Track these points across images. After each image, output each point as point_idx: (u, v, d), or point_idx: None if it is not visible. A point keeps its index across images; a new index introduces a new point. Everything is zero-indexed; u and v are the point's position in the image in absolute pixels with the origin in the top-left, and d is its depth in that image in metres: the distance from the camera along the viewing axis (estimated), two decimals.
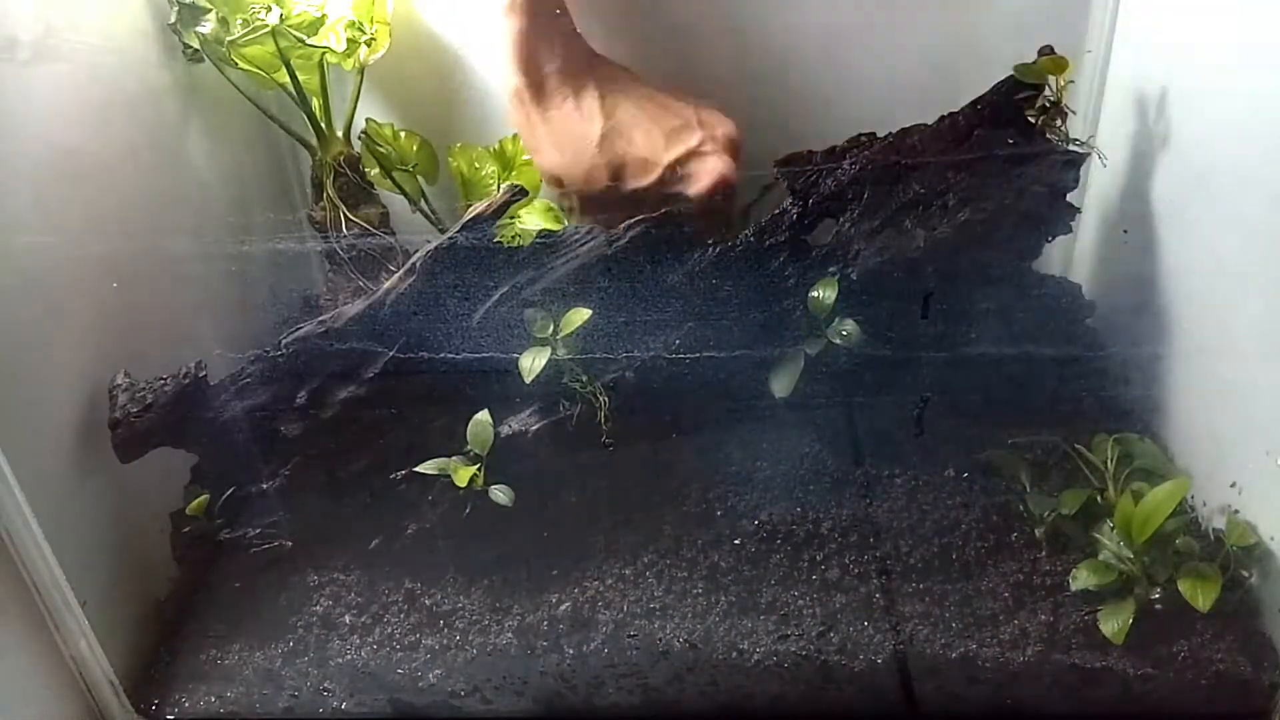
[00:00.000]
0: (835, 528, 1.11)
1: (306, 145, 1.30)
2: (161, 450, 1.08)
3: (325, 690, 1.06)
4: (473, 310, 1.08)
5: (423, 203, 1.33)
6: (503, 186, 1.19)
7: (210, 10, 1.18)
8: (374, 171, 1.31)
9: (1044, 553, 1.07)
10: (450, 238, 1.07)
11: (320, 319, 1.09)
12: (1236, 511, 1.02)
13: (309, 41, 1.20)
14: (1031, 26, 1.12)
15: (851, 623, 1.03)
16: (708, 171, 1.11)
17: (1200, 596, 0.95)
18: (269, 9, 1.16)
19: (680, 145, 1.11)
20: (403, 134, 1.32)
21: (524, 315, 1.08)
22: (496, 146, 1.30)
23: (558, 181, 1.16)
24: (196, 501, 1.10)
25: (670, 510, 1.15)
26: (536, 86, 1.12)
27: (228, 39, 1.17)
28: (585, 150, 1.12)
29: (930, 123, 1.09)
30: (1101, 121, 1.28)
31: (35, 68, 1.01)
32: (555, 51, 1.11)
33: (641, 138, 1.12)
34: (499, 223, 1.09)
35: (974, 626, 1.01)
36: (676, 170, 1.11)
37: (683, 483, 1.17)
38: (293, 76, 1.22)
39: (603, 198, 1.15)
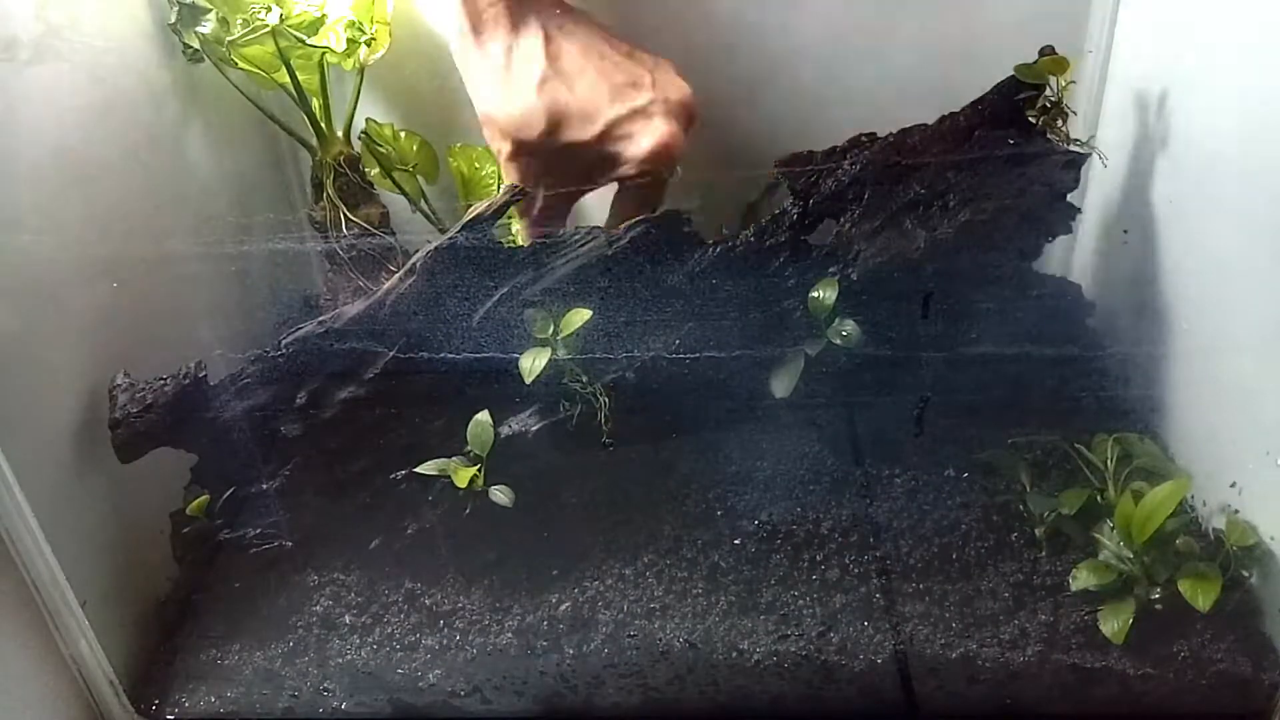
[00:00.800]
0: (835, 528, 1.11)
1: (306, 145, 1.30)
2: (161, 450, 1.08)
3: (325, 690, 1.06)
4: (473, 310, 1.08)
5: (423, 203, 1.33)
6: (503, 187, 1.19)
7: (210, 10, 1.18)
8: (374, 171, 1.31)
9: (1044, 553, 1.07)
10: (450, 238, 1.07)
11: (320, 319, 1.09)
12: (1236, 511, 1.02)
13: (309, 41, 1.19)
14: (1032, 26, 1.12)
15: (851, 623, 1.03)
16: (651, 133, 1.04)
17: (1200, 596, 0.95)
18: (269, 9, 1.16)
19: (625, 102, 1.04)
20: (403, 134, 1.32)
21: (524, 316, 1.08)
22: None
23: (491, 124, 1.08)
24: (196, 502, 1.10)
25: (670, 510, 1.15)
26: (475, 19, 1.04)
27: (228, 39, 1.17)
28: (522, 92, 1.04)
29: (931, 123, 1.09)
30: (1101, 121, 1.28)
31: (35, 68, 1.01)
32: None
33: (585, 88, 1.04)
34: (498, 223, 1.09)
35: (974, 626, 1.01)
36: (618, 128, 1.05)
37: (683, 483, 1.18)
38: (293, 76, 1.22)
39: (536, 147, 1.07)
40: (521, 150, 1.09)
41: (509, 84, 1.06)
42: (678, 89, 1.08)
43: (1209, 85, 1.05)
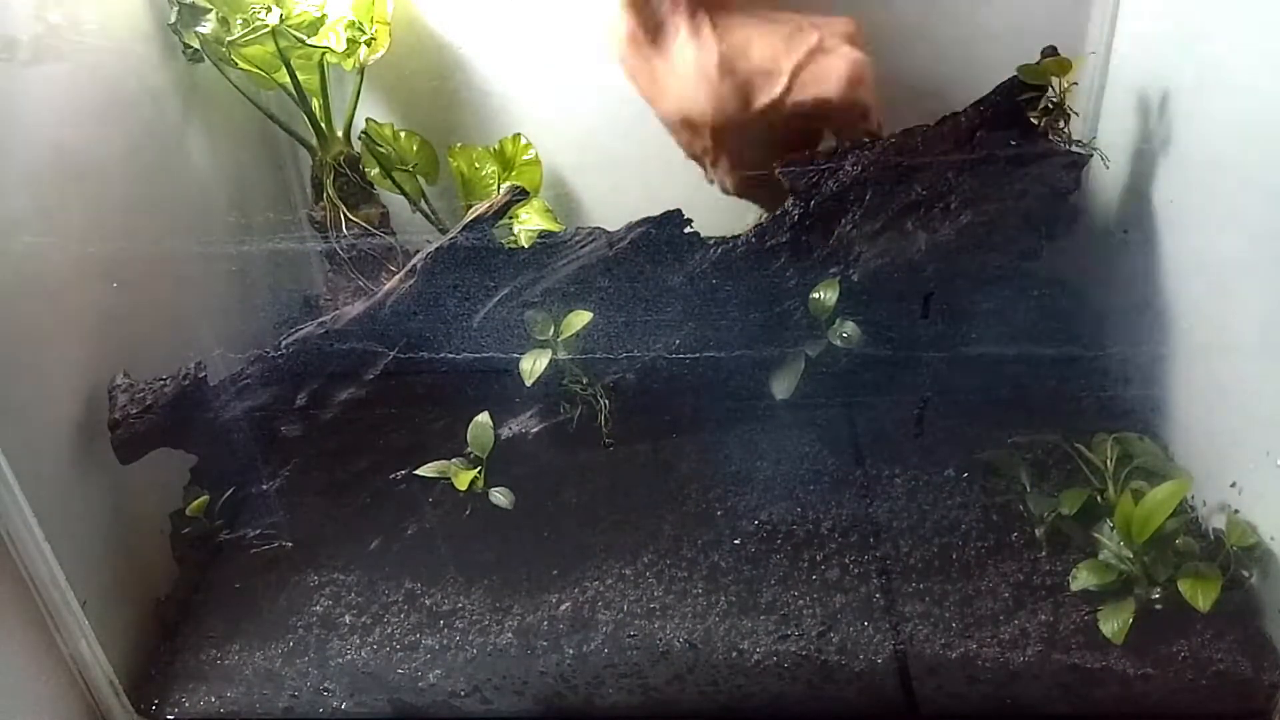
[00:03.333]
0: (835, 528, 1.12)
1: (306, 145, 1.30)
2: (161, 450, 1.08)
3: (325, 690, 1.06)
4: (473, 312, 1.08)
5: (423, 203, 1.33)
6: (503, 187, 1.19)
7: (210, 10, 1.18)
8: (374, 171, 1.31)
9: (1044, 553, 1.07)
10: (451, 239, 1.07)
11: (320, 320, 1.09)
12: (1236, 511, 1.02)
13: (309, 41, 1.19)
14: (1032, 27, 1.12)
15: (851, 623, 1.03)
16: (837, 66, 1.03)
17: (1200, 596, 0.95)
18: (269, 9, 1.16)
19: (800, 47, 1.04)
20: (403, 134, 1.32)
21: (525, 317, 1.08)
22: (496, 146, 1.30)
23: (688, 124, 1.08)
24: (197, 502, 1.10)
25: (670, 510, 1.15)
26: (652, 27, 1.04)
27: (228, 39, 1.17)
28: (708, 77, 1.04)
29: (932, 124, 1.09)
30: (1102, 122, 1.28)
31: (35, 67, 1.01)
32: None
33: (758, 51, 1.04)
34: (499, 224, 1.09)
35: (974, 626, 1.01)
36: (803, 73, 1.04)
37: (683, 483, 1.18)
38: (293, 76, 1.22)
39: (735, 127, 1.07)
40: (726, 136, 1.08)
41: (695, 75, 1.05)
42: (841, 22, 1.07)
43: (1209, 86, 1.05)
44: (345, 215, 1.28)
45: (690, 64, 1.04)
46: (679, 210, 1.11)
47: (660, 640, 1.03)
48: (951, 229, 1.06)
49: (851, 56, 1.04)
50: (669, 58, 1.06)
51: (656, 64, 1.07)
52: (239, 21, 1.18)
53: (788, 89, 1.04)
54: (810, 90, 1.04)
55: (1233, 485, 1.03)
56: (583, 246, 1.09)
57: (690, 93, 1.05)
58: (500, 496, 1.06)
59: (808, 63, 1.04)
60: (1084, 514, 1.07)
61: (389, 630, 1.08)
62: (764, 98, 1.05)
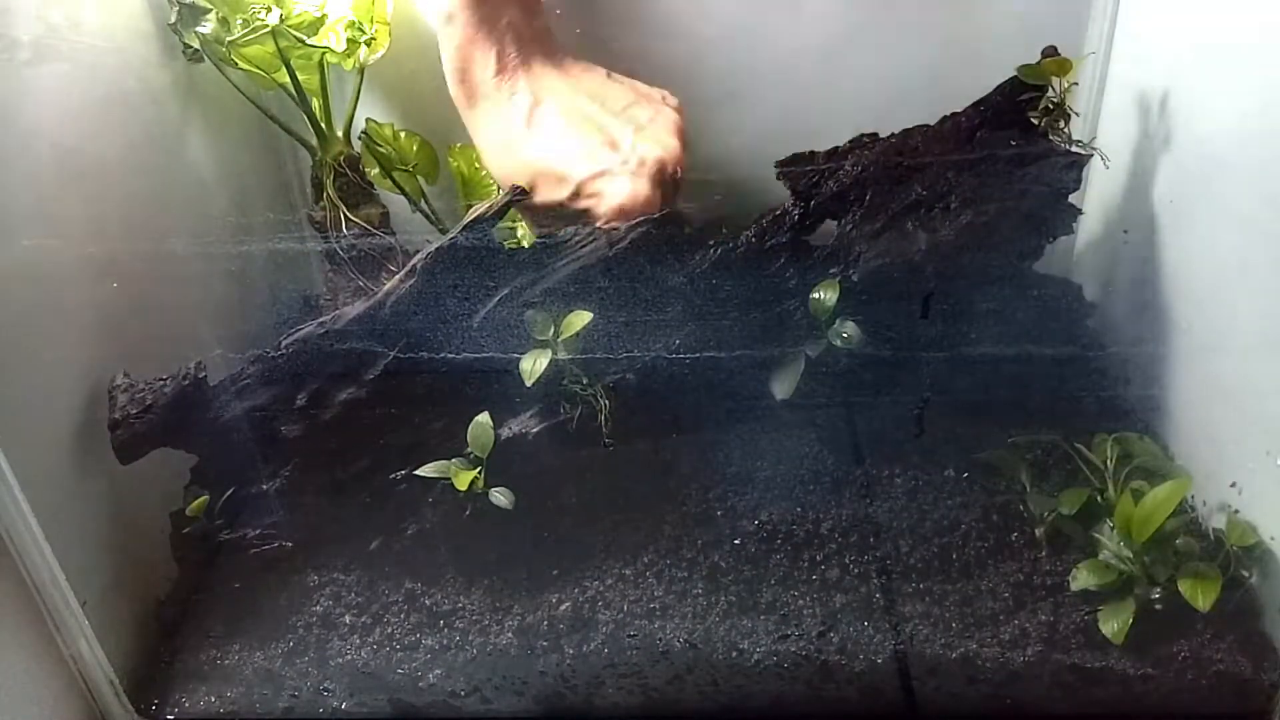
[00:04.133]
0: (835, 528, 1.12)
1: (306, 145, 1.30)
2: (162, 450, 1.07)
3: (325, 690, 1.06)
4: (473, 312, 1.08)
5: (423, 203, 1.33)
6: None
7: (210, 10, 1.18)
8: (374, 171, 1.31)
9: (1044, 553, 1.07)
10: (451, 239, 1.07)
11: (320, 320, 1.09)
12: (1236, 511, 1.02)
13: (309, 41, 1.19)
14: (1032, 27, 1.12)
15: (851, 623, 1.03)
16: (614, 194, 1.09)
17: (1200, 596, 0.95)
18: (269, 9, 1.16)
19: (594, 163, 1.10)
20: (403, 134, 1.32)
21: (525, 317, 1.08)
22: None
23: (493, 178, 1.19)
24: (197, 502, 1.10)
25: (670, 510, 1.15)
26: (469, 94, 1.14)
27: (228, 39, 1.17)
28: (506, 154, 1.14)
29: (933, 124, 1.09)
30: (1102, 122, 1.28)
31: (35, 67, 1.01)
32: (491, 58, 1.12)
33: (560, 152, 1.11)
34: (499, 224, 1.09)
35: (974, 626, 1.01)
36: (588, 187, 1.10)
37: (683, 483, 1.18)
38: (293, 76, 1.22)
39: (519, 201, 1.16)
40: (512, 203, 1.16)
41: (496, 147, 1.15)
42: (658, 146, 1.11)
43: (1209, 85, 1.05)
44: (345, 215, 1.28)
45: (496, 136, 1.14)
46: (679, 210, 1.11)
47: (660, 640, 1.03)
48: (951, 229, 1.06)
49: (625, 192, 1.09)
50: (478, 121, 1.15)
51: (471, 125, 1.16)
52: (239, 21, 1.18)
53: (571, 196, 1.11)
54: (589, 203, 1.11)
55: (1233, 485, 1.03)
56: (583, 246, 1.09)
57: (489, 159, 1.16)
58: (500, 496, 1.06)
59: (594, 179, 1.10)
60: (1084, 514, 1.07)
61: (389, 630, 1.08)
62: (549, 196, 1.12)
